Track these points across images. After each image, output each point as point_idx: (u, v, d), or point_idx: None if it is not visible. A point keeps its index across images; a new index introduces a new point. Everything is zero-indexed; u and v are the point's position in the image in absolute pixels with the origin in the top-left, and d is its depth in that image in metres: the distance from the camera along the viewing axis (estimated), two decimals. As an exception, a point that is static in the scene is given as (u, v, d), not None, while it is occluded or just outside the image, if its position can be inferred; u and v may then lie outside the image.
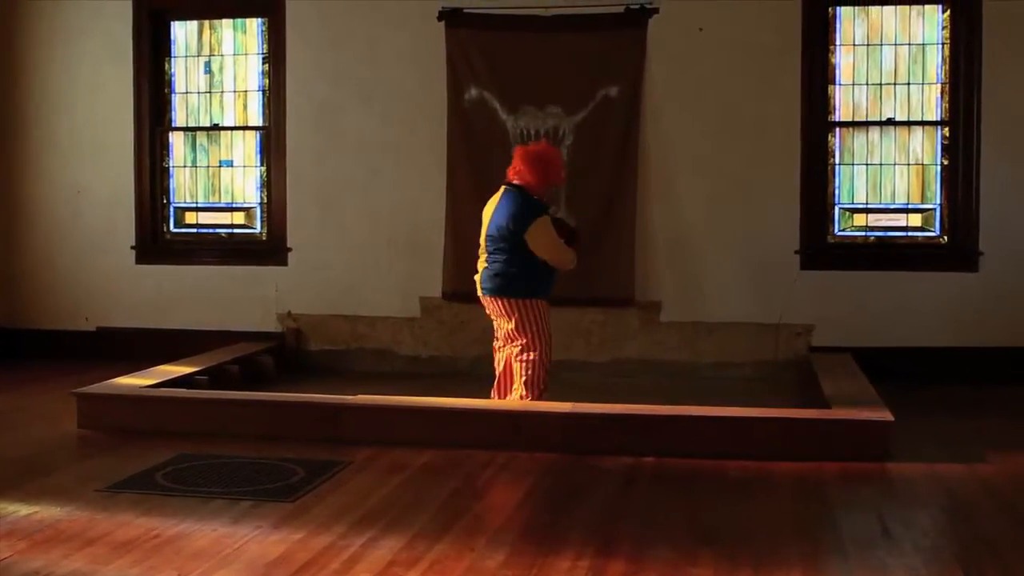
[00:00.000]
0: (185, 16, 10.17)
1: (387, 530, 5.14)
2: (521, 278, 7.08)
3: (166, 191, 10.22)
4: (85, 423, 7.26)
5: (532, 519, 5.44)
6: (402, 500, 5.67)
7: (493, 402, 7.26)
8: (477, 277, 7.35)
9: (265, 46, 9.98)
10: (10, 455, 6.67)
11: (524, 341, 7.12)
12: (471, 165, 9.46)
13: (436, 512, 5.45)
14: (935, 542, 5.12)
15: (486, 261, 7.23)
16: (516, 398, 7.22)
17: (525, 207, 7.09)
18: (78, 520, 5.30)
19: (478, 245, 9.54)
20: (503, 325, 7.23)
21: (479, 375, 9.35)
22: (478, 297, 9.59)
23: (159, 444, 6.78)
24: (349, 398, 7.25)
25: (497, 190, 7.36)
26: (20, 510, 5.45)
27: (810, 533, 5.27)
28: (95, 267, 10.17)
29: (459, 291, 9.54)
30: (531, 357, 7.11)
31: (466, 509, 5.52)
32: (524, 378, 7.14)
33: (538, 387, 7.13)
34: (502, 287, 7.13)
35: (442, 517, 5.37)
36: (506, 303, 7.12)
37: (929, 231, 9.20)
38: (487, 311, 7.37)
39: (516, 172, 7.20)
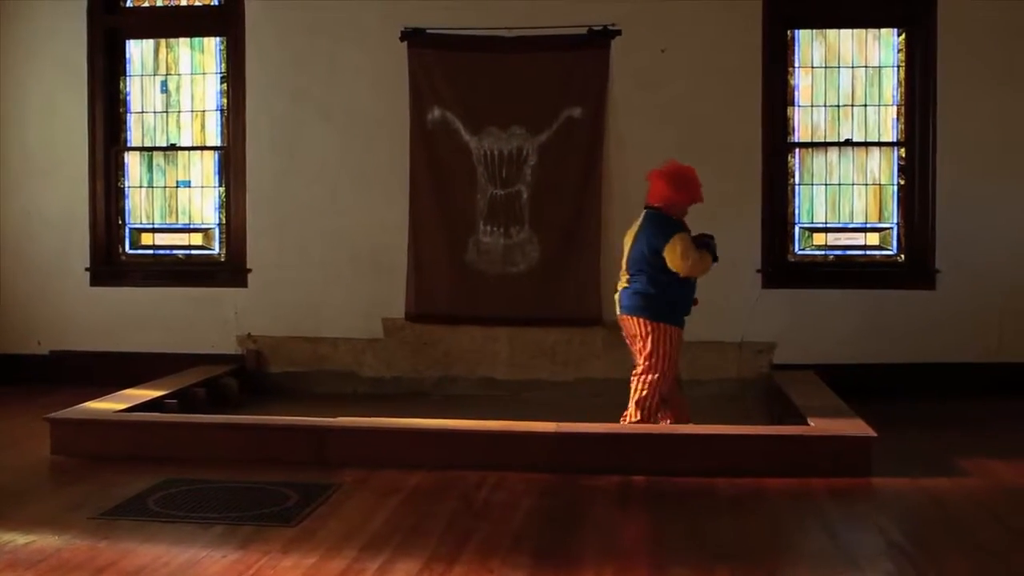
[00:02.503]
0: (141, 35, 9.99)
1: (399, 553, 5.10)
2: (659, 300, 7.13)
3: (121, 212, 10.01)
4: (58, 449, 7.08)
5: (541, 539, 5.41)
6: (405, 522, 5.62)
7: (479, 423, 7.21)
8: (616, 296, 7.36)
9: (223, 65, 9.84)
10: (-14, 483, 6.50)
11: (648, 363, 7.15)
12: (434, 186, 9.44)
13: (443, 534, 5.41)
14: (940, 553, 5.19)
15: (627, 282, 7.27)
16: (625, 415, 7.25)
17: (665, 228, 7.14)
18: (79, 549, 5.17)
19: (442, 265, 9.61)
20: (635, 346, 7.28)
21: (443, 396, 9.38)
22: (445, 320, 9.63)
23: (138, 469, 6.64)
24: (333, 420, 7.17)
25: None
26: (16, 539, 5.30)
27: (817, 548, 5.34)
28: (48, 290, 9.94)
29: (422, 312, 9.53)
30: (649, 379, 7.14)
31: (473, 530, 5.48)
32: (637, 397, 7.18)
33: (648, 410, 7.16)
34: (639, 307, 7.17)
35: (451, 539, 5.33)
36: (641, 323, 7.17)
37: (887, 250, 9.38)
38: (623, 332, 7.38)
39: (656, 194, 7.24)
